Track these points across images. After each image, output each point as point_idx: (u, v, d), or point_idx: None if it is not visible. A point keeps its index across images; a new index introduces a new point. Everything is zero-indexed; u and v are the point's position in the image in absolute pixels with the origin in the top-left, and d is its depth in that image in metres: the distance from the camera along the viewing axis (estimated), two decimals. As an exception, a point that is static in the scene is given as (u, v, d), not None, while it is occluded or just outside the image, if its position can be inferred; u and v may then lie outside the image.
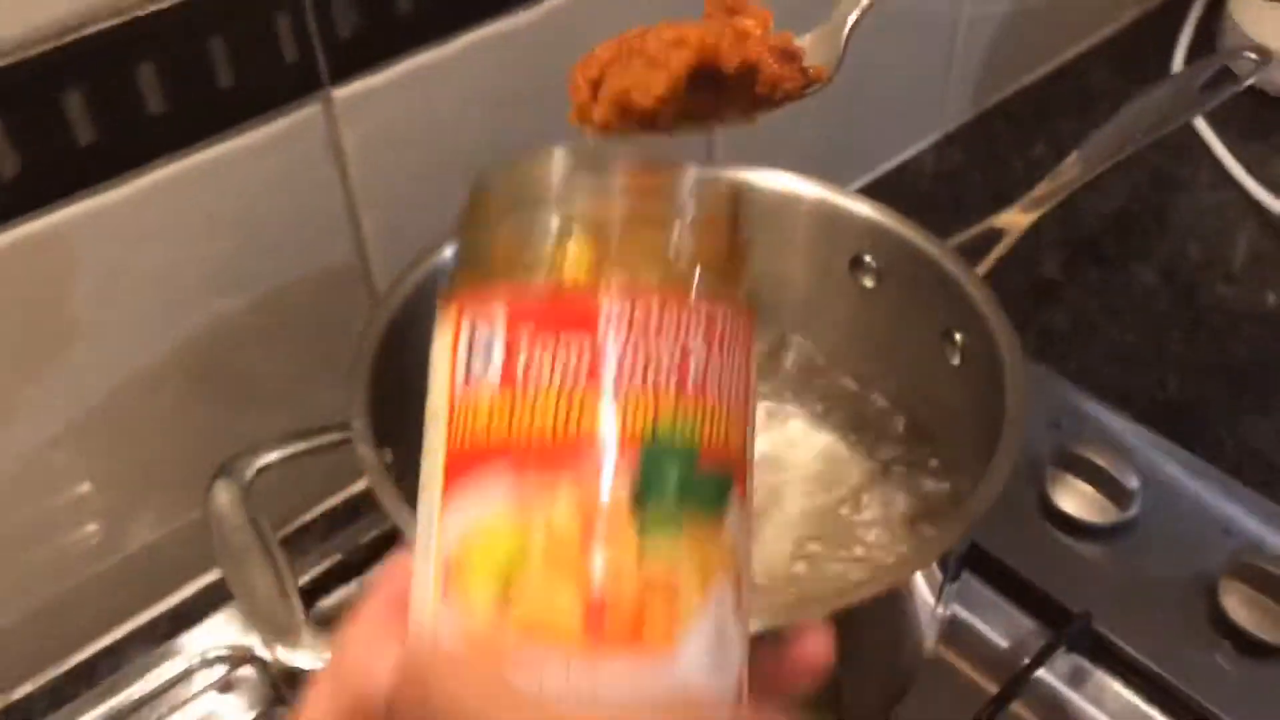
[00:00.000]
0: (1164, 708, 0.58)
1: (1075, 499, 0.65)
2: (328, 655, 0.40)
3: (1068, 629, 0.59)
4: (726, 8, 0.39)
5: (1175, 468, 0.67)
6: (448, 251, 0.54)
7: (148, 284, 0.55)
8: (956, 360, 0.54)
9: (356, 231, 0.61)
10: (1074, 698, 0.59)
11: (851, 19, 0.41)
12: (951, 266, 0.53)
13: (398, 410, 0.51)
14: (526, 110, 0.59)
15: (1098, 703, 0.59)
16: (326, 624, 0.54)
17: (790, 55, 0.39)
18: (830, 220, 0.57)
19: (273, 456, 0.47)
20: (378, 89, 0.57)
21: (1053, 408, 0.70)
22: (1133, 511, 0.64)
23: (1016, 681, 0.57)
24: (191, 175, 0.53)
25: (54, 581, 0.59)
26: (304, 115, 0.56)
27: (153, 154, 0.52)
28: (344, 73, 0.56)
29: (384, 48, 0.57)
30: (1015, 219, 0.59)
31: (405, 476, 0.50)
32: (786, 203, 0.57)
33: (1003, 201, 0.63)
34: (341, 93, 0.57)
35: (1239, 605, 0.60)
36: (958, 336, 0.53)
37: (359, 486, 0.67)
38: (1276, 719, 0.57)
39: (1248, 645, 0.59)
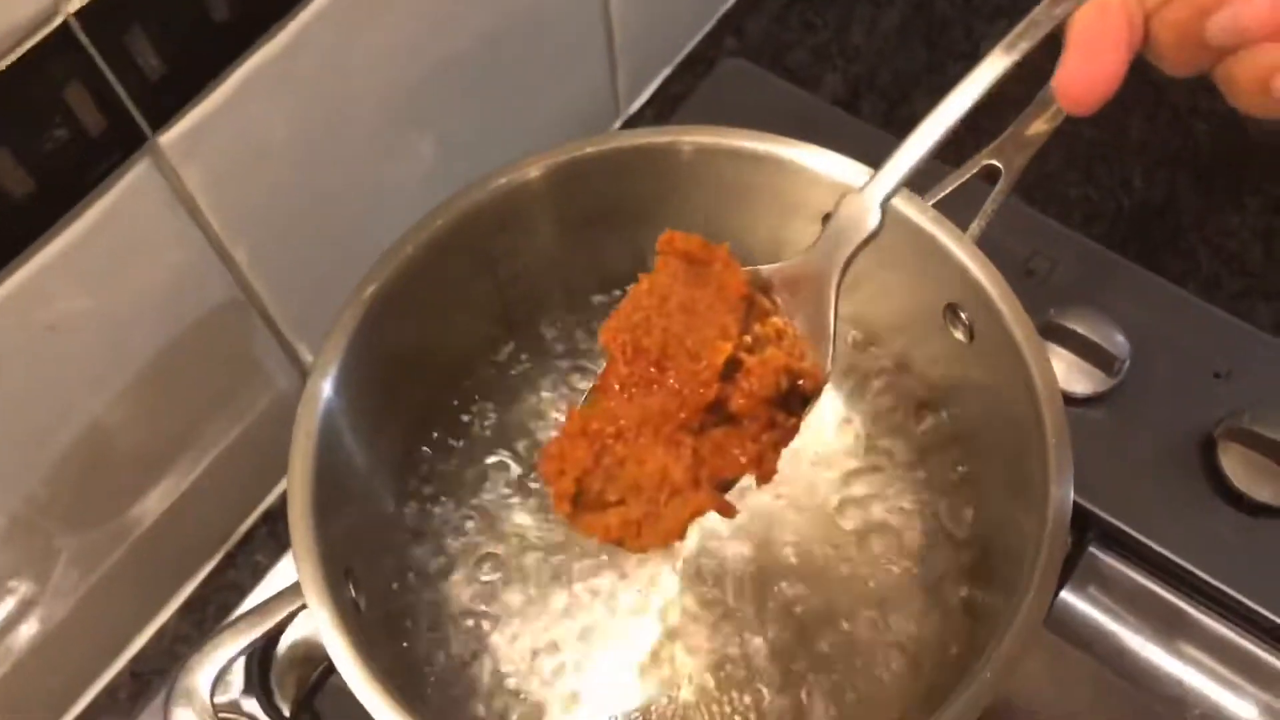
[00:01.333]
0: (1170, 584, 0.58)
1: (1062, 370, 0.61)
2: None
3: (1088, 530, 0.57)
4: (686, 256, 0.31)
5: (1155, 310, 0.63)
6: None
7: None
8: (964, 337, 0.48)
9: (232, 267, 0.52)
10: (1079, 588, 0.59)
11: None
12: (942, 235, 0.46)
13: (347, 507, 0.46)
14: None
15: (1101, 584, 0.59)
16: None
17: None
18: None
19: (226, 659, 0.42)
20: (207, 117, 0.47)
21: (1027, 249, 0.65)
22: (1121, 376, 0.61)
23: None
24: (16, 295, 0.44)
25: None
26: (134, 177, 0.46)
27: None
28: (164, 116, 0.45)
29: (200, 72, 0.46)
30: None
31: (374, 604, 0.46)
32: (747, 161, 0.50)
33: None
34: (168, 137, 0.46)
35: (1237, 467, 0.58)
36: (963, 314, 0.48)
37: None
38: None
39: (1248, 508, 0.58)
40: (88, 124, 0.42)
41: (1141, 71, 0.73)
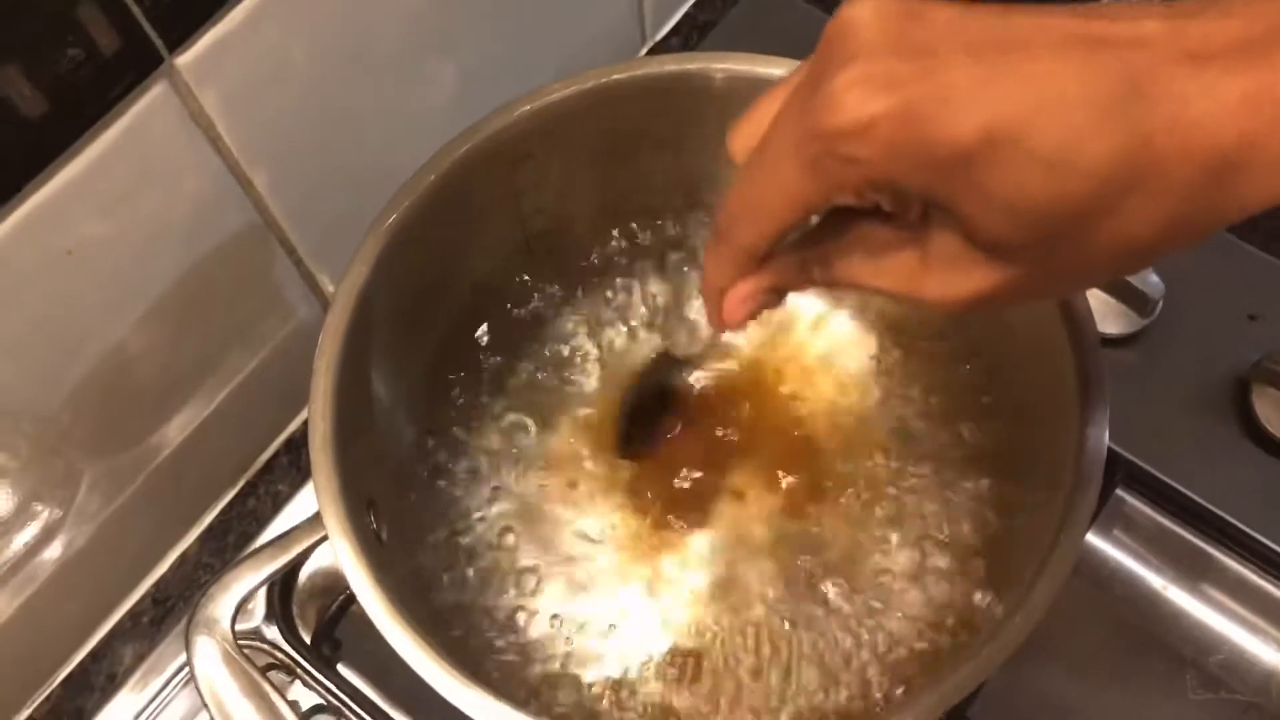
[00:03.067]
0: (1197, 527, 0.58)
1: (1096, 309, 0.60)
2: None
3: (1116, 472, 0.57)
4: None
5: (1193, 250, 0.62)
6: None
7: (20, 350, 0.47)
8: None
9: (252, 193, 0.52)
10: (1105, 530, 0.59)
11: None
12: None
13: (369, 438, 0.46)
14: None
15: (1126, 526, 0.59)
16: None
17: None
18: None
19: (247, 589, 0.41)
20: (224, 39, 0.46)
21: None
22: (1154, 315, 0.60)
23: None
24: (31, 223, 0.43)
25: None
26: (150, 99, 0.45)
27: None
28: (181, 38, 0.44)
29: (217, -8, 0.44)
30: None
31: (394, 534, 0.46)
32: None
33: None
34: (185, 59, 0.45)
35: (1269, 410, 0.57)
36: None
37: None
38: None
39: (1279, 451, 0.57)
40: (102, 44, 0.41)
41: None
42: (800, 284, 0.36)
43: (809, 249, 0.34)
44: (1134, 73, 0.27)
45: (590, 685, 0.48)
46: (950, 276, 0.31)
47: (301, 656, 0.54)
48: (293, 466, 0.63)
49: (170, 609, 0.60)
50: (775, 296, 0.36)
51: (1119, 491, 0.58)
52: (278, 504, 0.62)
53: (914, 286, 0.32)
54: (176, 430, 0.58)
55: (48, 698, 0.58)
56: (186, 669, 0.57)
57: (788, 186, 0.31)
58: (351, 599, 0.56)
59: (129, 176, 0.46)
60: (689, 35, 0.74)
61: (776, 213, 0.32)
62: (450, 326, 0.53)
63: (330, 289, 0.60)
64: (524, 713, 0.38)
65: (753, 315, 0.36)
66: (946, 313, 0.35)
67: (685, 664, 0.48)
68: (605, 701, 0.47)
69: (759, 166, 0.32)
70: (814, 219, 0.33)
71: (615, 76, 0.48)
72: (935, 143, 0.27)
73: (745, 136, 0.34)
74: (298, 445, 0.64)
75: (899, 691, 0.46)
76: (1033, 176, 0.27)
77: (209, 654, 0.40)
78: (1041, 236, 0.29)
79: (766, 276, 0.35)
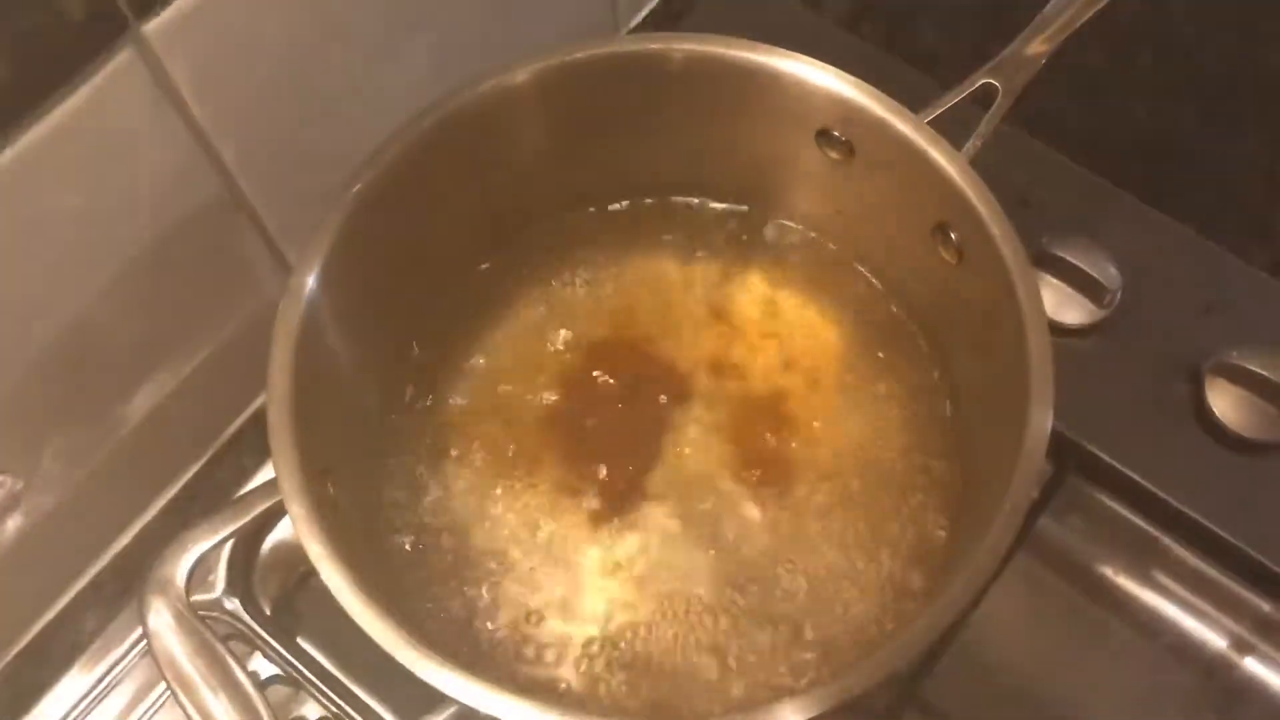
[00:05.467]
0: (1149, 515, 0.59)
1: (1053, 299, 0.61)
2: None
3: (1070, 459, 0.58)
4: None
5: (1150, 243, 0.63)
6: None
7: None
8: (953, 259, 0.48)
9: (219, 166, 0.52)
10: (1059, 515, 0.60)
11: None
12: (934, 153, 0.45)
13: (329, 406, 0.46)
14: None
15: (1081, 513, 0.60)
16: None
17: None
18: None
19: (202, 551, 0.42)
20: (193, 8, 0.46)
21: (1024, 178, 0.65)
22: (1112, 307, 0.61)
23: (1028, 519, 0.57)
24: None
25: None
26: (116, 67, 0.45)
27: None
28: (149, 5, 0.44)
29: (188, -42, 0.45)
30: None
31: (351, 503, 0.46)
32: (744, 72, 0.49)
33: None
34: (153, 27, 0.45)
35: (1224, 403, 0.58)
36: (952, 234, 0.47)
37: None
38: (1267, 518, 0.57)
39: (1232, 443, 0.58)
40: (68, 7, 0.42)
41: (1153, 2, 0.72)
42: None
43: None
44: None
45: (543, 654, 0.48)
46: None
47: (261, 627, 0.55)
48: (259, 441, 0.62)
49: (132, 579, 0.60)
50: None
51: (1074, 479, 0.59)
52: (243, 477, 0.62)
53: None
54: (142, 402, 0.58)
55: (6, 667, 0.58)
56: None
57: None
58: (312, 571, 0.57)
59: (94, 145, 0.46)
60: (661, 23, 0.74)
61: None
62: (412, 299, 0.53)
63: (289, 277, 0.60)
64: (474, 678, 0.38)
65: None
66: None
67: (637, 638, 0.49)
68: (556, 669, 0.48)
69: None
70: None
71: (578, 55, 0.48)
72: None
73: None
74: (264, 420, 0.64)
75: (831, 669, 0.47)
76: None
77: (162, 614, 0.40)
78: None
79: None
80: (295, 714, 0.55)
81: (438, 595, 0.50)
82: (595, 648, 0.49)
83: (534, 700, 0.38)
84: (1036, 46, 0.49)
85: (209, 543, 0.42)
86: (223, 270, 0.57)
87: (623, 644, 0.49)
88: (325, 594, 0.57)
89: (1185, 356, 0.60)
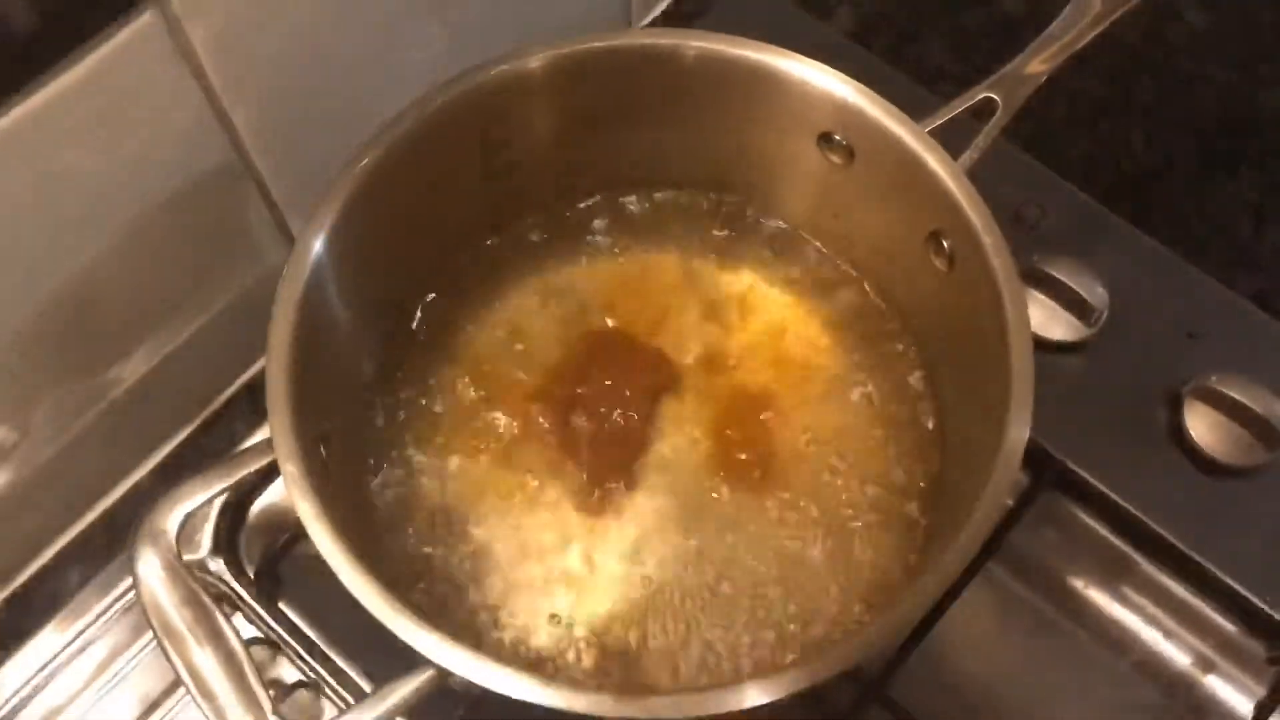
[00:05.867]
0: (1121, 532, 0.60)
1: (1041, 315, 0.62)
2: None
3: (1047, 472, 0.59)
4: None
5: (1138, 266, 0.64)
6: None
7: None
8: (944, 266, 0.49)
9: (231, 131, 0.53)
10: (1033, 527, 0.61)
11: None
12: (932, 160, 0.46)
13: (326, 372, 0.47)
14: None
15: (1055, 525, 0.61)
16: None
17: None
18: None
19: (194, 504, 0.42)
20: (218, -26, 0.47)
21: (1020, 196, 0.66)
22: (1098, 326, 0.62)
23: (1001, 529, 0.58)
24: (10, 138, 0.44)
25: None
26: (138, 27, 0.46)
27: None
28: (175, -32, 0.45)
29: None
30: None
31: (343, 468, 0.47)
32: (752, 72, 0.50)
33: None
34: (176, -10, 0.46)
35: (1201, 426, 0.60)
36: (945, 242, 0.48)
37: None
38: (1235, 541, 0.58)
39: (1206, 466, 0.59)
40: (97, -34, 0.43)
41: (1155, 34, 0.74)
42: None
43: None
44: None
45: (519, 628, 0.49)
46: None
47: (244, 589, 0.55)
48: (251, 409, 0.64)
49: (119, 536, 0.61)
50: None
51: (1050, 491, 0.60)
52: (234, 443, 0.63)
53: None
54: (139, 362, 0.59)
55: (-8, 611, 0.59)
56: (131, 594, 0.58)
57: None
58: (296, 538, 0.58)
59: (110, 103, 0.47)
60: (673, 23, 0.75)
61: None
62: (413, 273, 0.54)
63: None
64: (455, 642, 0.39)
65: None
66: None
67: (613, 619, 0.50)
68: (531, 642, 0.49)
69: None
70: None
71: (592, 45, 0.49)
72: None
73: None
74: (257, 388, 0.64)
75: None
76: None
77: (152, 563, 0.41)
78: None
79: None
80: (272, 675, 0.55)
81: (419, 566, 0.50)
82: (571, 625, 0.49)
83: (509, 666, 0.38)
84: (1037, 65, 0.50)
85: (202, 496, 0.42)
86: (226, 237, 0.58)
87: (597, 623, 0.49)
88: (307, 561, 0.58)
89: (1166, 379, 0.61)
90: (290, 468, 0.41)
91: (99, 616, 0.58)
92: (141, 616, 0.57)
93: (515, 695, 0.38)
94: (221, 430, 0.64)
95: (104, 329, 0.56)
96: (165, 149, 0.51)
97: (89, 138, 0.48)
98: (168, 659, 0.39)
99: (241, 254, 0.60)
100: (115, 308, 0.56)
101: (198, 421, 0.64)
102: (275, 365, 0.42)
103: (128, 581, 0.59)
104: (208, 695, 0.39)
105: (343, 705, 0.54)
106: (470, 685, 0.39)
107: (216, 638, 0.39)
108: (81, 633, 0.58)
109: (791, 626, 0.49)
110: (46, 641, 0.58)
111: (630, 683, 0.47)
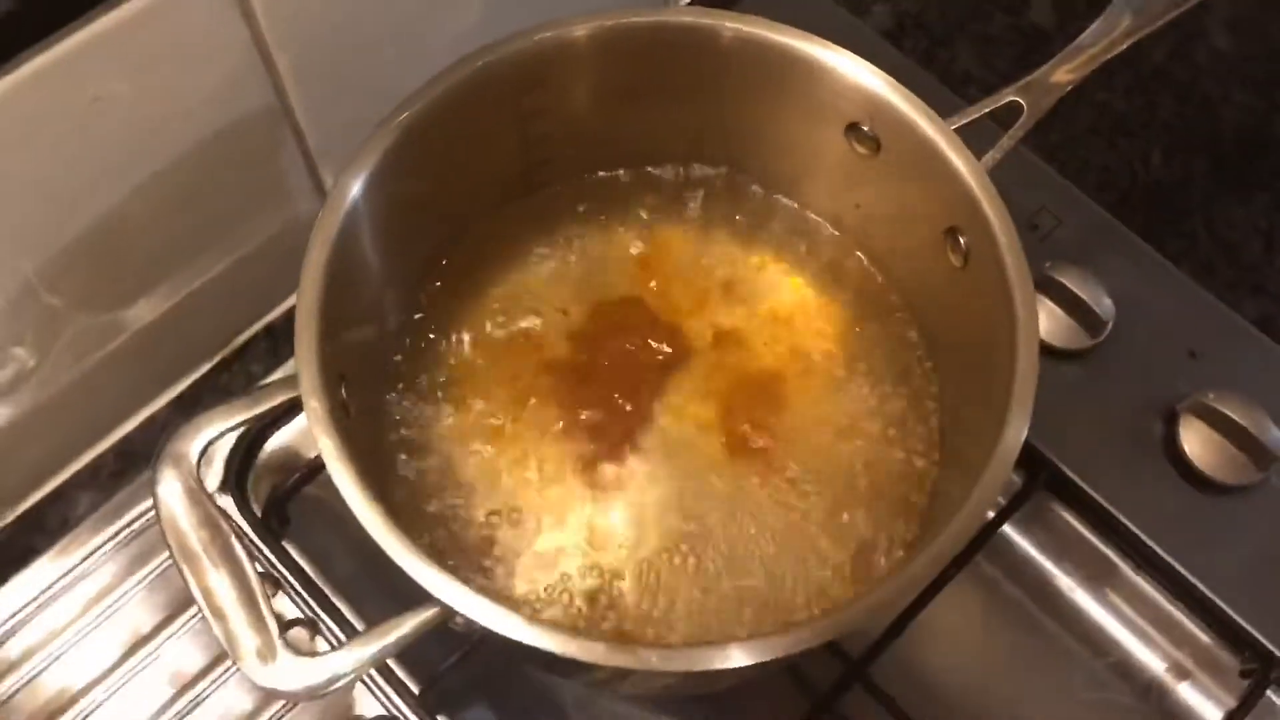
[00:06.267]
0: (1109, 538, 0.61)
1: (1047, 321, 0.63)
2: (307, 677, 0.40)
3: (1041, 474, 0.60)
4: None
5: (1146, 281, 0.65)
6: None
7: (28, 190, 0.49)
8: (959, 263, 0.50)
9: (274, 74, 0.54)
10: (1024, 526, 0.62)
11: None
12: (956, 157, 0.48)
13: (351, 316, 0.48)
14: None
15: (1045, 526, 0.62)
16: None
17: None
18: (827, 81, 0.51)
19: (217, 431, 0.44)
20: (277, -82, 0.48)
21: (1035, 204, 0.67)
22: (1103, 336, 0.63)
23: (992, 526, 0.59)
24: (64, 65, 0.45)
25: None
26: (193, -35, 0.47)
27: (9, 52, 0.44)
28: (235, -91, 0.46)
29: None
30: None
31: (362, 412, 0.48)
32: (787, 57, 0.51)
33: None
34: (234, -68, 0.47)
35: (1194, 442, 0.61)
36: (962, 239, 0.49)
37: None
38: (1219, 556, 0.59)
39: (1197, 482, 0.61)
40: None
41: (1181, 54, 0.75)
42: None
43: None
44: None
45: (518, 578, 0.51)
46: None
47: (251, 526, 0.57)
48: (269, 352, 0.65)
49: (131, 465, 0.62)
50: None
51: (1042, 493, 0.61)
52: (250, 383, 0.64)
53: None
54: (162, 298, 0.60)
55: (1, 530, 0.60)
56: (139, 522, 0.59)
57: None
58: (303, 481, 0.59)
59: (161, 40, 0.48)
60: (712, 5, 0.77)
61: None
62: (440, 228, 0.55)
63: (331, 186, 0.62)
64: (455, 579, 0.40)
65: None
66: None
67: (607, 576, 0.51)
68: (528, 591, 0.51)
69: None
70: None
71: (631, 20, 0.51)
72: None
73: None
74: (277, 332, 0.66)
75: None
76: None
77: (173, 485, 0.42)
78: None
79: None
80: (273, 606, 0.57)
81: (426, 513, 0.52)
82: (569, 579, 0.51)
83: (508, 606, 0.40)
84: (1064, 74, 0.52)
85: (224, 425, 0.44)
86: (259, 181, 0.59)
87: (592, 580, 0.51)
88: (312, 504, 0.60)
89: (1165, 394, 0.63)
90: (314, 404, 0.42)
91: (107, 542, 0.59)
92: (143, 548, 0.59)
93: (514, 637, 0.39)
94: (239, 370, 0.65)
95: (131, 263, 0.57)
96: (209, 88, 0.52)
97: (139, 72, 0.48)
98: (183, 578, 0.41)
99: (271, 199, 0.61)
100: (144, 243, 0.57)
101: (216, 359, 0.65)
102: (306, 304, 0.44)
103: (134, 511, 0.60)
104: (219, 616, 0.40)
105: (337, 643, 0.55)
106: (472, 625, 0.40)
107: (231, 562, 0.41)
108: (89, 556, 0.59)
109: (784, 597, 0.50)
110: (49, 566, 0.59)
111: (623, 637, 0.49)
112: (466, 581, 0.41)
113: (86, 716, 0.56)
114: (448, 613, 0.40)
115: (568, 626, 0.49)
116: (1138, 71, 0.75)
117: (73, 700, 0.57)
